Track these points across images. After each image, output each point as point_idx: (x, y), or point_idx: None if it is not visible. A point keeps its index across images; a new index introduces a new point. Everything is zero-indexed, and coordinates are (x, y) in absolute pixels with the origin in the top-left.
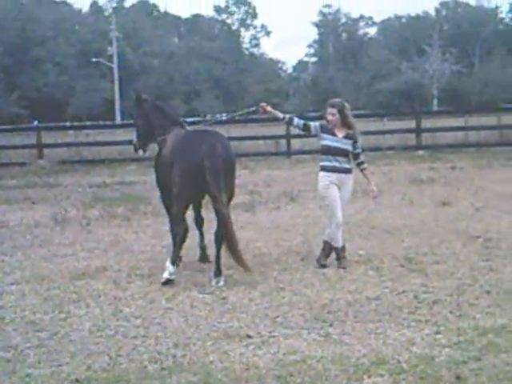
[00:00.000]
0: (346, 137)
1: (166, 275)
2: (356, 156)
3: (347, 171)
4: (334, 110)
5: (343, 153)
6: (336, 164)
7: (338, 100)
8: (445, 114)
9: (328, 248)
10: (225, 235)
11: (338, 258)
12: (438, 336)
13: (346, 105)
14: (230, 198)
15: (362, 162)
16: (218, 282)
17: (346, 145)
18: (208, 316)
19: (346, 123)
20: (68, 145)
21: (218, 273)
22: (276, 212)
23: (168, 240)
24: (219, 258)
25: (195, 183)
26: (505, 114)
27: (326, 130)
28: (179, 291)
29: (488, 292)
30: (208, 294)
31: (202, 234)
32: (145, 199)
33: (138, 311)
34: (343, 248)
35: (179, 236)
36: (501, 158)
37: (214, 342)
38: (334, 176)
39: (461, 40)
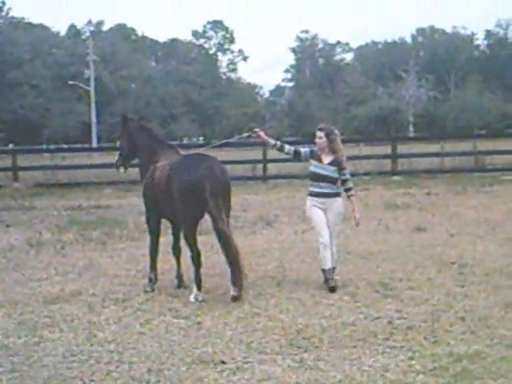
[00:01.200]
0: (332, 163)
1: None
2: (343, 182)
3: (332, 195)
4: (322, 134)
5: (327, 179)
6: (318, 189)
7: (326, 125)
8: (420, 140)
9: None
10: (230, 254)
11: (326, 280)
12: (413, 362)
13: (336, 131)
14: (227, 219)
15: (349, 189)
16: (196, 297)
17: (330, 171)
18: (182, 341)
19: (332, 148)
20: (44, 168)
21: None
22: (252, 237)
23: (142, 264)
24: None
25: (198, 204)
26: (480, 140)
27: (314, 156)
28: (154, 316)
29: (463, 318)
30: (183, 319)
31: (179, 263)
32: (120, 223)
33: (112, 336)
34: (332, 270)
35: (198, 261)
36: (476, 184)
37: (188, 367)
38: (318, 200)
39: (437, 66)
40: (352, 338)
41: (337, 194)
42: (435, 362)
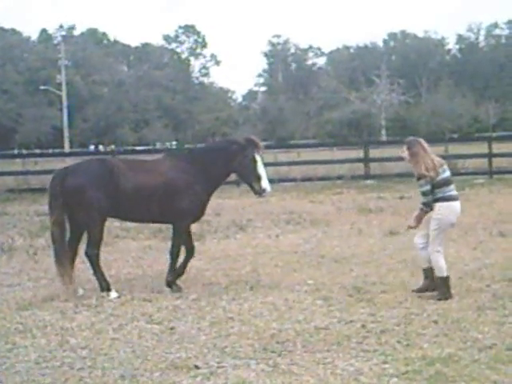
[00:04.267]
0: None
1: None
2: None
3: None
4: (404, 148)
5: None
6: None
7: (410, 138)
8: (393, 144)
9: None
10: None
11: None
12: (386, 366)
13: (416, 141)
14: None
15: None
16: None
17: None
18: (156, 346)
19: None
20: (15, 173)
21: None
22: (225, 241)
23: (114, 270)
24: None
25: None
26: (452, 143)
27: None
28: (127, 321)
29: (435, 321)
30: (156, 325)
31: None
32: None
33: (84, 342)
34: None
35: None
36: None
37: (162, 373)
38: None
39: (408, 70)
40: (325, 342)
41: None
42: (408, 366)
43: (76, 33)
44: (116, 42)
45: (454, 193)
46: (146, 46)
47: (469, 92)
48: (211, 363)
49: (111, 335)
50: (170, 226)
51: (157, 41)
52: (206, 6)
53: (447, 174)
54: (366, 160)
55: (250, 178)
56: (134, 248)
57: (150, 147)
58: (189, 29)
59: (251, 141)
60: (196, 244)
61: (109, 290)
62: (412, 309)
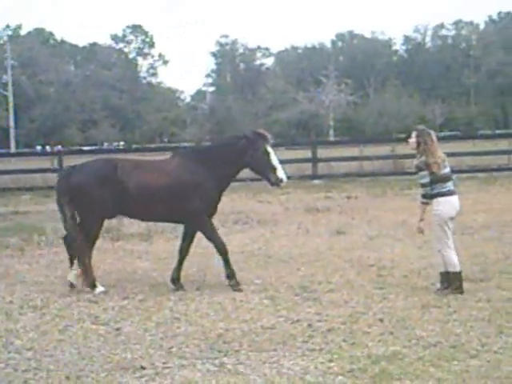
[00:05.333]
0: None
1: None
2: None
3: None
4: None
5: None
6: None
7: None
8: (340, 144)
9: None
10: None
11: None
12: (332, 364)
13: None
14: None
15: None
16: None
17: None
18: (101, 347)
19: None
20: None
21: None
22: (173, 242)
23: (61, 271)
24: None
25: None
26: (399, 143)
27: None
28: (72, 323)
29: (381, 320)
30: (102, 325)
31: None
32: (39, 229)
33: (30, 343)
34: (444, 274)
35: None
36: (395, 187)
37: (108, 374)
38: None
39: (356, 71)
40: (272, 342)
41: (432, 196)
42: (353, 364)
43: (22, 32)
44: (63, 41)
45: (452, 188)
46: (93, 45)
47: (416, 92)
48: (157, 364)
49: (57, 336)
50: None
51: (104, 40)
52: (153, 5)
53: (448, 169)
54: (314, 160)
55: (265, 170)
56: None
57: (97, 147)
58: (136, 28)
59: (260, 134)
60: (143, 244)
61: (94, 286)
62: (358, 308)
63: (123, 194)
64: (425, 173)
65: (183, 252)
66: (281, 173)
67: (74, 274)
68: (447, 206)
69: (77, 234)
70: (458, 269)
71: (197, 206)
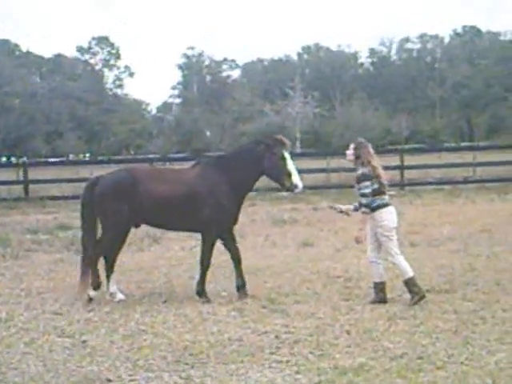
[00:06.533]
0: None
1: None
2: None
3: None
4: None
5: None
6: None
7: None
8: (307, 156)
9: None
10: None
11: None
12: (299, 376)
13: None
14: None
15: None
16: None
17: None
18: (67, 360)
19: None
20: None
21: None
22: (139, 254)
23: (26, 283)
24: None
25: None
26: None
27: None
28: (38, 335)
29: (348, 331)
30: (67, 338)
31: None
32: (4, 241)
33: None
34: (376, 284)
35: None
36: None
37: None
38: None
39: (322, 83)
40: (239, 353)
41: (373, 209)
42: (321, 376)
43: None
44: (28, 52)
45: (388, 198)
46: (58, 57)
47: (381, 105)
48: (123, 376)
49: (22, 349)
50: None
51: (70, 52)
52: (119, 17)
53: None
54: None
55: (280, 176)
56: (45, 261)
57: (64, 159)
58: (102, 40)
59: (277, 139)
60: None
61: (96, 289)
62: (325, 319)
63: (142, 204)
64: (367, 183)
65: (235, 257)
66: (296, 178)
67: (112, 284)
68: (390, 215)
69: (91, 246)
70: (411, 274)
71: (207, 215)
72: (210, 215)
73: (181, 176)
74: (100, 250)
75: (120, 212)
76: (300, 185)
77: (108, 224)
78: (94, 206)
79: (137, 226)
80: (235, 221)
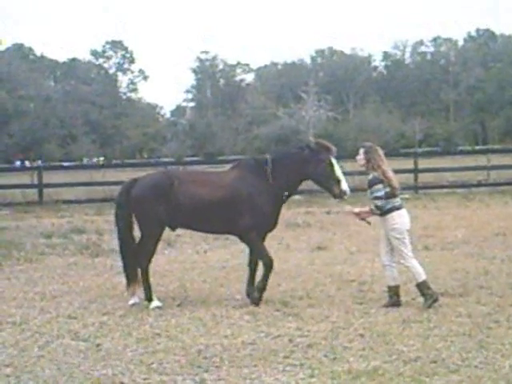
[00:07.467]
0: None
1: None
2: None
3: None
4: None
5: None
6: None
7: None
8: None
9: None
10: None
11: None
12: (313, 380)
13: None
14: None
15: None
16: None
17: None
18: (81, 364)
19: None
20: None
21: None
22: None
23: (41, 286)
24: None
25: None
26: None
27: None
28: (52, 339)
29: (362, 335)
30: (82, 341)
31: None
32: (18, 245)
33: (9, 360)
34: (391, 288)
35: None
36: None
37: None
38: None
39: (336, 87)
40: (253, 357)
41: (386, 212)
42: (334, 379)
43: (1, 48)
44: (43, 57)
45: (400, 202)
46: (73, 61)
47: (395, 108)
48: (138, 380)
49: (36, 353)
50: None
51: (84, 56)
52: (133, 21)
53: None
54: None
55: (329, 182)
56: (59, 264)
57: (77, 163)
58: (116, 44)
59: (323, 145)
60: None
61: (151, 299)
62: (338, 323)
63: (179, 207)
64: (380, 186)
65: (252, 264)
66: (344, 185)
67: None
68: (402, 218)
69: (125, 247)
70: (424, 276)
71: (247, 219)
72: (249, 219)
73: (219, 178)
74: (145, 258)
75: (157, 215)
76: (348, 191)
77: (145, 227)
78: (130, 209)
79: (173, 229)
80: (274, 226)
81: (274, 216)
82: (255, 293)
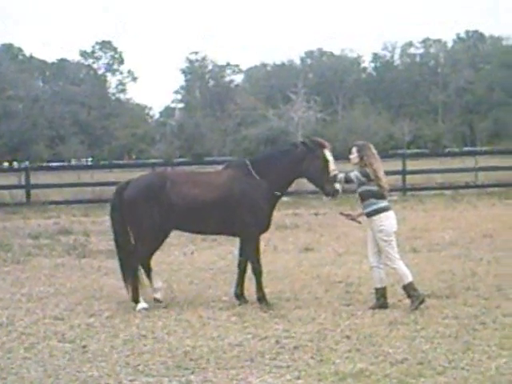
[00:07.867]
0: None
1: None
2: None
3: (367, 214)
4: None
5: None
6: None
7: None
8: None
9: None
10: None
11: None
12: (299, 381)
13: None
14: None
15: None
16: None
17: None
18: (67, 365)
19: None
20: None
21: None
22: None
23: (27, 288)
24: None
25: None
26: None
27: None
28: (38, 340)
29: (348, 337)
30: (68, 343)
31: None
32: (5, 246)
33: None
34: (378, 290)
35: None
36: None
37: None
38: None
39: (325, 88)
40: (239, 359)
41: (369, 214)
42: (321, 381)
43: None
44: (32, 57)
45: (387, 203)
46: (62, 61)
47: (384, 110)
48: (124, 381)
49: (22, 354)
50: None
51: (73, 56)
52: (123, 22)
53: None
54: None
55: (322, 180)
56: (46, 265)
57: (65, 164)
58: (105, 45)
59: (317, 141)
60: (110, 261)
61: (137, 301)
62: (325, 324)
63: (172, 208)
64: (369, 184)
65: (242, 266)
66: (338, 184)
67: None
68: (390, 220)
69: (122, 249)
70: (410, 278)
71: (246, 218)
72: (245, 218)
73: (212, 179)
74: (136, 259)
75: (150, 216)
76: (340, 190)
77: (138, 230)
78: (123, 210)
79: (166, 230)
80: (268, 226)
81: (266, 215)
82: (262, 303)
